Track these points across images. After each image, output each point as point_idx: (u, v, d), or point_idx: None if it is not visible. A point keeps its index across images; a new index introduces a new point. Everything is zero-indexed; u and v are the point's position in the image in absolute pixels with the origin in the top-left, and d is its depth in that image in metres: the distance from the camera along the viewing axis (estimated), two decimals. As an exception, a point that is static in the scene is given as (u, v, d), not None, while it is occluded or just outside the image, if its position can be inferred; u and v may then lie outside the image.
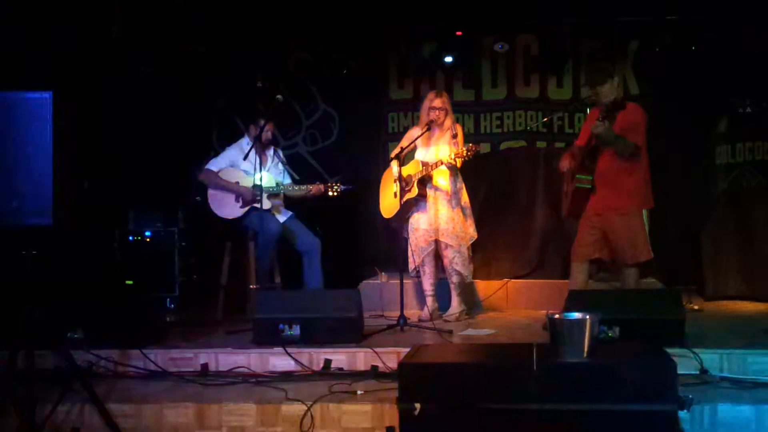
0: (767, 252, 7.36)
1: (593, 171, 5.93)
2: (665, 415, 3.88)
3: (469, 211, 6.61)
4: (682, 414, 3.98)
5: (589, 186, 5.95)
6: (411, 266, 6.69)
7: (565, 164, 6.20)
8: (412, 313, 6.63)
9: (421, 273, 6.72)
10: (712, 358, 4.90)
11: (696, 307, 6.98)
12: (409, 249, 6.67)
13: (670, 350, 4.37)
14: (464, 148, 6.11)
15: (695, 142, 8.34)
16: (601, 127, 5.66)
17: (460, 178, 6.61)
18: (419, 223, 6.60)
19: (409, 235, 6.68)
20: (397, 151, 6.64)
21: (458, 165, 6.40)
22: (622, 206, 5.90)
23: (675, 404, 3.88)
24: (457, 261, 6.49)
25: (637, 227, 5.91)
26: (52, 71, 6.21)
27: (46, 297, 4.99)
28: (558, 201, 6.66)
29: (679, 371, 4.04)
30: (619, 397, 3.89)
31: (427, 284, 6.71)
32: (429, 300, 6.70)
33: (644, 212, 6.01)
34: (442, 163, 6.33)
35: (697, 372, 4.82)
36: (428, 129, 6.59)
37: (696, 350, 4.90)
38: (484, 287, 7.31)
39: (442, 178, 6.52)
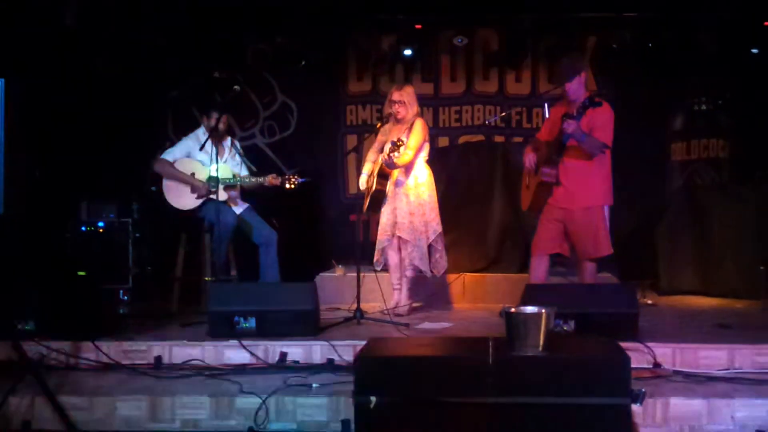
0: (720, 248, 7.46)
1: (558, 165, 5.95)
2: (618, 408, 3.92)
3: (432, 205, 6.58)
4: (635, 407, 4.02)
5: (554, 180, 5.97)
6: (375, 258, 6.69)
7: (529, 158, 6.19)
8: (371, 306, 6.61)
9: (387, 267, 6.71)
10: (665, 352, 4.96)
11: (650, 302, 7.06)
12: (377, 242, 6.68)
13: (623, 344, 4.41)
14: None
15: (651, 138, 8.45)
16: (574, 126, 5.68)
17: (426, 172, 6.58)
18: (381, 217, 6.61)
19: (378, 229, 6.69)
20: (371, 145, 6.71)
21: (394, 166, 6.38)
22: (586, 201, 5.93)
23: (628, 398, 3.92)
24: (414, 255, 6.48)
25: (599, 223, 5.95)
26: (2, 59, 6.08)
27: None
28: (516, 195, 6.68)
29: (633, 365, 4.09)
30: (573, 390, 3.92)
31: (393, 277, 6.70)
32: (395, 293, 6.69)
33: (606, 208, 6.03)
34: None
35: (650, 366, 4.87)
36: (385, 122, 6.59)
37: (649, 344, 4.95)
38: (440, 280, 7.30)
39: (399, 173, 6.51)
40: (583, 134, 5.74)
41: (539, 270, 6.10)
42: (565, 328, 5.19)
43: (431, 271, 6.62)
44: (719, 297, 7.31)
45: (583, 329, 5.18)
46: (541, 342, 4.02)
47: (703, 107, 8.38)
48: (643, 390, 3.98)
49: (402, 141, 6.17)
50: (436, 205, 6.60)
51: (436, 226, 6.56)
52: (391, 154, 6.16)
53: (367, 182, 6.65)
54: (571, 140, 5.80)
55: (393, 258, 6.64)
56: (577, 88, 5.93)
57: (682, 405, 4.35)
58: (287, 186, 6.71)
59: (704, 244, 7.59)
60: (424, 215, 6.50)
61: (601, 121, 5.86)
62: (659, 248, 7.75)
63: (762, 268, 6.80)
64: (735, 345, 5.01)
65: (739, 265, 7.31)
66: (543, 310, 4.06)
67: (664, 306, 7.05)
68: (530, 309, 4.15)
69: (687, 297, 7.49)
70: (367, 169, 6.70)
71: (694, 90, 8.40)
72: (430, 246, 6.57)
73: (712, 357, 4.94)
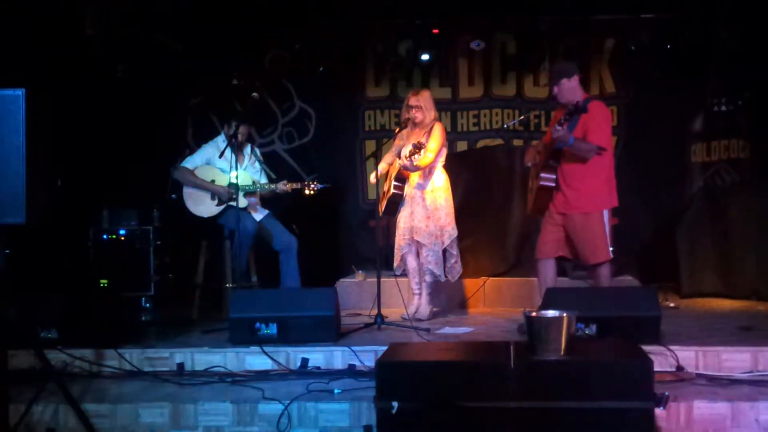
0: (742, 249, 7.41)
1: (556, 170, 5.93)
2: (641, 412, 3.90)
3: (448, 210, 6.57)
4: (659, 411, 4.00)
5: (553, 185, 5.95)
6: (395, 264, 6.70)
7: (529, 159, 6.21)
8: (391, 311, 6.61)
9: (407, 272, 6.72)
10: (688, 356, 4.92)
11: (672, 305, 7.02)
12: (395, 247, 6.68)
13: (646, 348, 4.40)
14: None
15: (671, 140, 8.40)
16: (561, 131, 5.67)
17: (442, 177, 6.59)
18: (399, 221, 6.61)
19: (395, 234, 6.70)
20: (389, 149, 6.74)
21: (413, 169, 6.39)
22: (583, 206, 5.88)
23: (651, 401, 3.91)
24: (430, 260, 6.48)
25: (597, 228, 5.88)
26: (24, 68, 6.13)
27: (19, 296, 4.95)
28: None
29: (656, 368, 4.08)
30: (596, 394, 3.91)
31: (412, 282, 6.70)
32: (414, 298, 6.69)
33: (606, 212, 5.97)
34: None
35: (673, 369, 4.84)
36: (403, 127, 6.59)
37: (672, 347, 4.92)
38: (461, 285, 7.30)
39: (417, 177, 6.51)
40: (571, 139, 5.70)
41: (547, 274, 6.07)
42: (586, 332, 5.16)
43: (446, 276, 6.62)
44: (742, 299, 7.26)
45: (605, 333, 5.15)
46: (563, 346, 4.01)
47: (723, 108, 8.32)
48: (667, 393, 3.98)
49: (422, 144, 6.18)
50: (452, 210, 6.59)
51: (451, 230, 6.55)
52: (411, 157, 6.17)
53: (383, 184, 6.64)
54: (564, 147, 5.80)
55: (412, 263, 6.64)
56: (567, 91, 5.91)
57: (706, 408, 4.32)
58: (306, 192, 6.72)
59: (726, 246, 7.54)
60: (440, 220, 6.49)
61: (594, 124, 5.81)
62: (680, 250, 7.70)
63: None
64: (758, 347, 4.96)
65: (761, 266, 7.26)
66: (564, 314, 4.05)
67: (686, 308, 7.01)
68: (552, 313, 4.14)
69: (709, 299, 7.45)
70: (381, 167, 6.69)
71: (713, 90, 8.34)
72: (445, 251, 6.57)
73: (736, 360, 4.89)
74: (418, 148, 6.12)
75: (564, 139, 5.70)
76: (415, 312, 6.54)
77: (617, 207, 6.06)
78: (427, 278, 6.56)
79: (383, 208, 6.63)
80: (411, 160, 6.20)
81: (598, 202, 5.91)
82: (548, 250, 6.04)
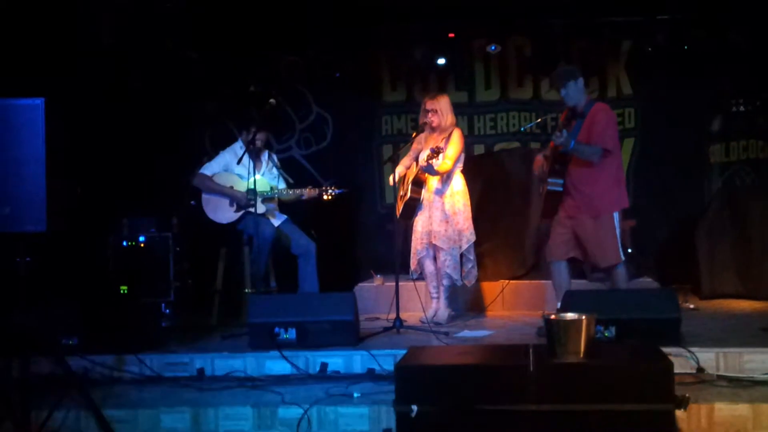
0: (762, 250, 7.36)
1: (564, 174, 5.92)
2: (662, 414, 3.89)
3: (466, 215, 6.58)
4: (679, 413, 3.99)
5: (561, 189, 5.94)
6: (412, 267, 6.70)
7: (536, 168, 6.21)
8: (409, 315, 6.62)
9: (424, 275, 6.73)
10: (708, 357, 4.91)
11: (692, 306, 6.99)
12: (412, 251, 6.69)
13: (666, 349, 4.39)
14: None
15: (689, 141, 8.38)
16: (562, 137, 5.66)
17: (460, 181, 6.60)
18: (417, 225, 6.62)
19: (411, 238, 6.71)
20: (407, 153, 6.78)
21: (435, 173, 6.39)
22: (591, 209, 5.86)
23: (671, 404, 3.89)
24: (448, 264, 6.49)
25: (607, 230, 5.85)
26: (43, 78, 6.19)
27: (40, 303, 4.99)
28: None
29: (676, 370, 4.06)
30: (616, 397, 3.90)
31: (430, 286, 6.71)
32: (433, 302, 6.69)
33: (617, 214, 5.95)
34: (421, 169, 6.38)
35: (694, 371, 4.83)
36: (420, 131, 6.61)
37: (692, 349, 4.91)
38: (479, 289, 7.29)
39: (435, 181, 6.52)
40: (572, 143, 5.70)
41: (560, 276, 6.05)
42: (606, 334, 5.15)
43: (462, 281, 6.62)
44: (762, 300, 7.20)
45: (624, 335, 5.14)
46: (583, 349, 4.00)
47: (741, 108, 8.29)
48: (687, 395, 3.95)
49: (440, 148, 6.19)
50: (470, 214, 6.60)
51: (469, 235, 6.55)
52: (430, 161, 6.18)
53: (400, 187, 6.65)
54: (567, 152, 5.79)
55: (429, 267, 6.65)
56: (572, 95, 5.91)
57: (727, 410, 4.29)
58: (324, 197, 6.74)
59: (745, 247, 7.50)
60: (458, 224, 6.49)
61: (598, 127, 5.81)
62: (699, 252, 7.66)
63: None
64: (780, 349, 4.95)
65: (782, 267, 7.22)
66: (583, 317, 4.04)
67: (706, 310, 6.96)
68: (570, 315, 4.13)
69: (729, 300, 7.40)
70: (399, 170, 6.70)
71: (731, 91, 8.31)
72: (462, 255, 6.57)
73: (757, 361, 4.86)
74: (436, 152, 6.13)
75: (565, 144, 5.70)
76: (434, 316, 6.55)
77: (634, 209, 6.04)
78: (445, 282, 6.57)
79: (400, 212, 6.64)
80: (429, 164, 6.21)
81: (607, 205, 5.89)
82: (559, 252, 6.03)
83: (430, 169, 6.29)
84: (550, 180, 5.95)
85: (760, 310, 6.86)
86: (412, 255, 6.68)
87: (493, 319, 6.96)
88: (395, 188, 6.51)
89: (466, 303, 7.19)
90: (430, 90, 8.37)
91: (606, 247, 5.84)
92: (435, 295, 6.68)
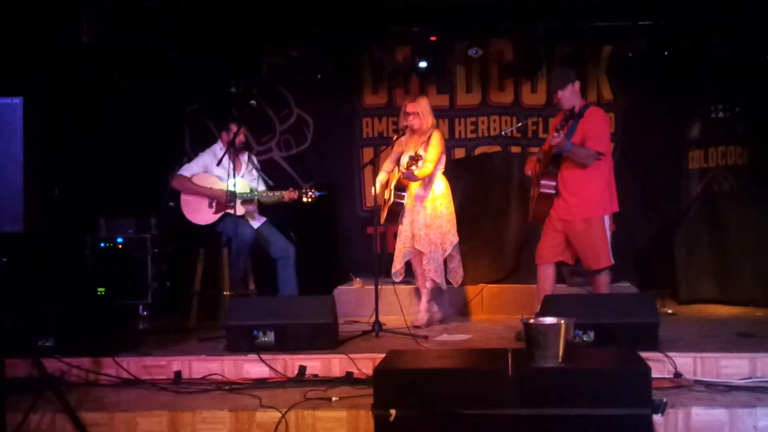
0: (739, 256, 7.41)
1: (557, 177, 5.94)
2: (639, 419, 3.89)
3: (449, 218, 6.58)
4: (656, 418, 3.99)
5: (554, 192, 5.95)
6: (393, 269, 6.70)
7: (529, 169, 6.23)
8: (389, 318, 6.61)
9: (415, 278, 6.76)
10: (686, 362, 4.93)
11: (670, 311, 7.02)
12: (395, 254, 6.70)
13: (644, 354, 4.39)
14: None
15: (668, 146, 8.43)
16: (558, 138, 5.68)
17: (442, 184, 6.60)
18: (401, 229, 6.63)
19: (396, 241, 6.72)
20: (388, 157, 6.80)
21: (413, 178, 6.39)
22: (584, 212, 5.88)
23: (649, 408, 3.90)
24: (430, 268, 6.49)
25: (599, 233, 5.88)
26: (21, 77, 6.14)
27: (16, 304, 4.94)
28: (532, 206, 6.68)
29: (654, 375, 4.06)
30: (594, 401, 3.89)
31: (420, 286, 6.73)
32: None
33: (607, 217, 5.98)
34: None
35: (672, 376, 4.84)
36: (402, 134, 6.61)
37: (670, 354, 4.93)
38: (459, 292, 7.29)
39: (417, 186, 6.52)
40: (569, 145, 5.72)
41: (546, 280, 6.07)
42: (584, 338, 5.16)
43: (448, 282, 6.63)
44: (739, 305, 7.25)
45: (602, 340, 5.16)
46: (561, 353, 4.00)
47: (720, 114, 8.34)
48: (665, 400, 3.96)
49: (420, 155, 6.19)
50: (453, 217, 6.61)
51: (452, 237, 6.56)
52: (410, 168, 6.18)
53: (383, 193, 6.66)
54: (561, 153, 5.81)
55: (418, 270, 6.68)
56: (569, 97, 5.92)
57: (704, 415, 4.31)
58: (304, 199, 6.74)
59: (723, 253, 7.54)
60: (441, 227, 6.50)
61: (593, 130, 5.83)
62: (677, 257, 7.70)
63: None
64: (756, 354, 4.96)
65: (759, 272, 7.26)
66: (562, 321, 4.04)
67: (683, 315, 7.00)
68: (549, 320, 4.13)
69: (707, 306, 7.44)
70: (381, 177, 6.72)
71: (710, 97, 8.37)
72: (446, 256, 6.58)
73: (734, 366, 4.90)
74: (415, 159, 6.13)
75: (562, 145, 5.71)
76: (420, 317, 6.56)
77: (614, 213, 6.06)
78: (427, 285, 6.57)
79: (384, 217, 6.64)
80: (410, 171, 6.21)
81: (598, 207, 5.91)
82: (548, 255, 6.04)
83: (410, 176, 6.28)
84: (542, 182, 5.96)
85: (737, 316, 6.90)
86: (395, 257, 6.68)
87: (473, 322, 6.97)
88: (376, 196, 6.51)
89: (447, 307, 7.18)
90: (412, 93, 8.37)
91: (597, 249, 5.87)
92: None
